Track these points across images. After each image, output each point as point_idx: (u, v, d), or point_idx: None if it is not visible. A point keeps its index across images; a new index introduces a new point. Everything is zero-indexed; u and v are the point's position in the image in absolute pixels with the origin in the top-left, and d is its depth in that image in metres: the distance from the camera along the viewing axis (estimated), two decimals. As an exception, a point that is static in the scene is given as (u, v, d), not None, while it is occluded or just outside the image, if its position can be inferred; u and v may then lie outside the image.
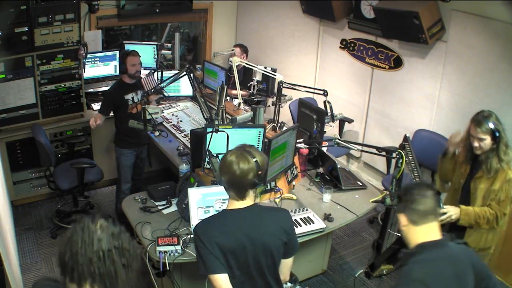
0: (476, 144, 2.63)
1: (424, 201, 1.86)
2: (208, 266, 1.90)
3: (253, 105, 4.21)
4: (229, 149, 2.06)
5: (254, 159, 1.92)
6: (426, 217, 1.86)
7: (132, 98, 3.86)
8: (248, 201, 1.98)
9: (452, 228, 2.91)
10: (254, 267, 1.97)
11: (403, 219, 1.91)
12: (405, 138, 2.72)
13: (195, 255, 2.53)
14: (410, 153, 2.70)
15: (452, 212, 2.64)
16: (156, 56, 5.05)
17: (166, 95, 4.30)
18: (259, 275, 1.99)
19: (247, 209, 1.97)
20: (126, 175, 4.02)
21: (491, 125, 2.56)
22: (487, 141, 2.58)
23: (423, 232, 1.87)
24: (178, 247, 2.57)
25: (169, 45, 5.54)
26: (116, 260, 1.33)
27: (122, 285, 1.34)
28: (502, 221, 2.67)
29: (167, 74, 4.41)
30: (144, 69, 4.57)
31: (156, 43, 5.20)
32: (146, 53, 4.91)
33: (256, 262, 1.96)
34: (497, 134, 2.56)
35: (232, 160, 1.91)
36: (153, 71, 4.42)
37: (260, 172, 1.94)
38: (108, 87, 4.18)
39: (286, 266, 2.07)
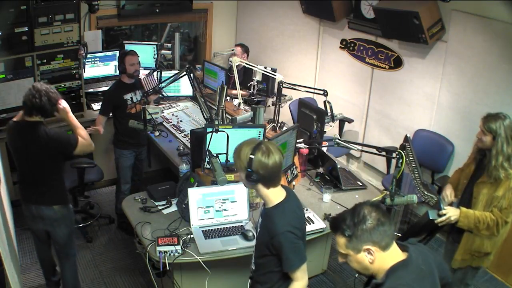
0: (479, 136, 2.65)
1: (386, 220, 1.59)
2: (303, 256, 2.05)
3: (253, 105, 4.21)
4: (246, 150, 2.04)
5: (278, 151, 2.07)
6: (392, 236, 1.61)
7: (131, 98, 3.86)
8: (280, 187, 2.12)
9: (451, 230, 2.90)
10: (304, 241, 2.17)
11: (371, 248, 1.57)
12: (406, 139, 2.71)
13: (195, 255, 2.55)
14: (410, 153, 2.70)
15: (451, 213, 2.63)
16: (156, 56, 5.05)
17: (165, 95, 4.29)
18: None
19: (288, 194, 2.12)
20: (125, 176, 4.02)
21: (493, 126, 2.55)
22: (488, 138, 2.59)
23: (392, 255, 1.61)
24: (178, 247, 2.57)
25: (169, 45, 5.54)
26: (43, 100, 2.72)
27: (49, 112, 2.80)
28: (503, 229, 2.64)
29: (167, 74, 4.41)
30: (144, 69, 4.58)
31: (156, 43, 5.20)
32: (146, 53, 4.92)
33: (304, 236, 2.18)
34: (496, 138, 2.55)
35: (271, 154, 2.00)
36: (152, 71, 4.42)
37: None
38: (108, 87, 4.19)
39: None
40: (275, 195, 2.07)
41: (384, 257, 1.59)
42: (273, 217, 2.05)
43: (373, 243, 1.57)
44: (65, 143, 2.81)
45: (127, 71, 3.81)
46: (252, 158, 1.99)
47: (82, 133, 2.91)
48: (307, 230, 2.79)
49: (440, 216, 2.64)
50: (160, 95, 4.38)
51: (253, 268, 2.23)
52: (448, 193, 2.89)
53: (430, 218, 2.62)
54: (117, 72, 4.75)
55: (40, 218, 2.94)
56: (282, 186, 2.14)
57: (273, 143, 2.11)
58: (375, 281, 1.63)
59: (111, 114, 3.91)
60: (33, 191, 2.90)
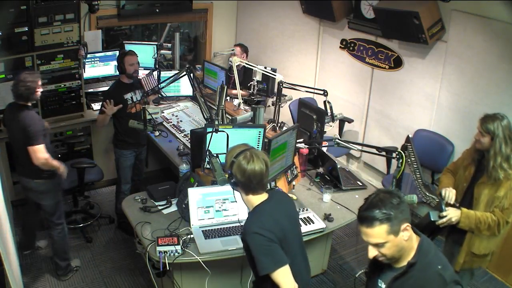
0: (477, 137, 2.63)
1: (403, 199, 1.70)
2: (278, 259, 1.97)
3: (253, 105, 4.21)
4: (233, 153, 2.12)
5: (263, 158, 2.07)
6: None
7: (131, 97, 3.86)
8: (264, 193, 2.12)
9: (451, 231, 2.89)
10: (296, 244, 2.16)
11: (408, 224, 1.66)
12: (408, 139, 2.70)
13: (195, 255, 2.55)
14: (412, 154, 2.69)
15: (452, 214, 2.60)
16: (155, 56, 5.04)
17: (164, 95, 4.28)
18: (299, 248, 2.19)
19: (271, 197, 2.12)
20: (125, 176, 4.02)
21: (491, 127, 2.54)
22: (486, 139, 2.57)
23: (412, 232, 1.73)
24: (178, 247, 2.57)
25: (169, 45, 5.54)
26: (21, 89, 3.04)
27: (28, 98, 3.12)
28: (504, 229, 2.62)
29: (167, 74, 4.42)
30: (144, 69, 4.57)
31: (156, 43, 5.20)
32: (146, 53, 4.91)
33: (296, 237, 2.17)
34: (494, 139, 2.54)
35: (248, 162, 2.03)
36: (152, 71, 4.42)
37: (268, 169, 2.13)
38: (108, 88, 4.18)
39: None
40: (256, 200, 2.10)
41: (411, 233, 1.70)
42: (246, 220, 2.09)
43: (407, 219, 1.65)
44: (29, 135, 3.06)
45: (126, 71, 3.81)
46: (233, 161, 2.06)
47: (47, 161, 3.13)
48: (307, 230, 2.82)
49: (441, 217, 2.62)
50: (159, 95, 4.38)
51: (252, 273, 2.24)
52: (451, 194, 2.75)
53: (432, 219, 2.61)
54: (117, 72, 4.76)
55: (29, 189, 3.29)
56: (270, 191, 2.16)
57: (263, 153, 2.11)
58: (410, 260, 1.69)
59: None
60: (19, 165, 3.31)
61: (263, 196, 2.11)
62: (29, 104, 3.15)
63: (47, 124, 3.50)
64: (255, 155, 2.05)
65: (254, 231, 1.97)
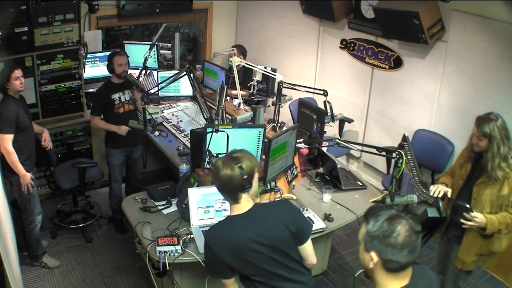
0: (474, 141, 2.64)
1: (410, 248, 1.53)
2: (209, 270, 2.04)
3: (253, 105, 4.21)
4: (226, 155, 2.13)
5: (238, 165, 1.96)
6: (406, 264, 1.55)
7: (119, 97, 3.83)
8: (245, 203, 2.02)
9: (446, 230, 2.87)
10: (271, 266, 2.01)
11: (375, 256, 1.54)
12: (404, 138, 2.71)
13: (195, 255, 2.56)
14: (409, 152, 2.70)
15: (479, 217, 2.57)
16: (146, 55, 4.96)
17: (149, 93, 4.23)
18: (279, 271, 2.03)
19: (249, 213, 2.01)
20: (114, 175, 4.00)
21: (487, 130, 2.54)
22: (484, 142, 2.57)
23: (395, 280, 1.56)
24: (178, 247, 2.57)
25: (169, 45, 5.54)
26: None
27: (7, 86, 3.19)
28: None
29: (167, 74, 4.42)
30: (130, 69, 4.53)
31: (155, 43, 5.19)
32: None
33: (271, 261, 2.00)
34: (491, 141, 2.54)
35: (219, 166, 1.99)
36: (150, 70, 4.39)
37: (245, 177, 1.97)
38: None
39: (306, 251, 2.11)
40: (236, 209, 2.03)
41: (386, 276, 1.53)
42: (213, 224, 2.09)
43: (378, 252, 1.51)
44: None
45: (115, 71, 3.78)
46: (214, 164, 2.07)
47: (9, 155, 3.17)
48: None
49: (469, 214, 2.59)
50: (144, 93, 4.36)
51: None
52: (437, 190, 2.77)
53: (429, 216, 2.61)
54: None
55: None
56: (258, 205, 2.08)
57: (251, 159, 2.02)
58: None
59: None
60: None
61: (243, 208, 2.01)
62: (12, 94, 3.20)
63: (38, 128, 3.58)
64: (232, 160, 1.98)
65: (206, 243, 1.99)
